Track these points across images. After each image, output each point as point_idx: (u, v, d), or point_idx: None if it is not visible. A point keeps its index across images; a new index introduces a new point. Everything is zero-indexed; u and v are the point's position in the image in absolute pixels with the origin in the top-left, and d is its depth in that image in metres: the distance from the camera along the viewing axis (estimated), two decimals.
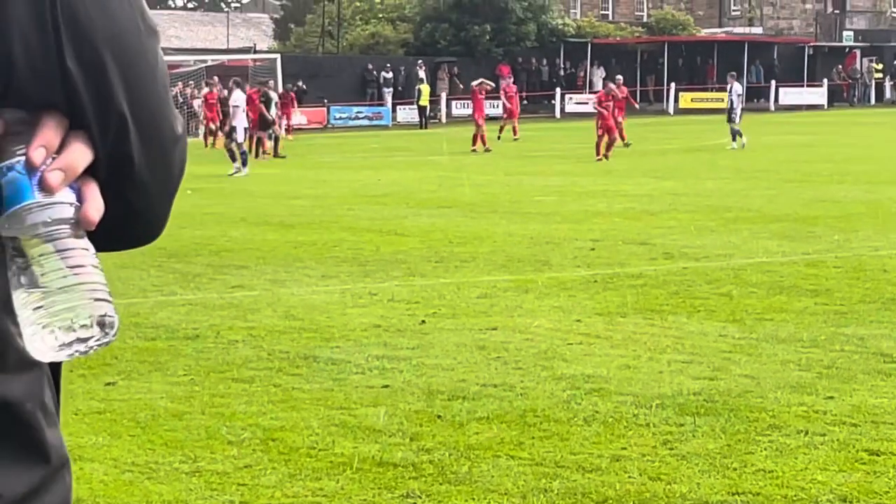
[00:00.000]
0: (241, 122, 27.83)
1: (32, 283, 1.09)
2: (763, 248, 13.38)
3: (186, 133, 1.29)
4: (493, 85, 40.22)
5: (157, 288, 11.28)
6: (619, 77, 36.05)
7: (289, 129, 42.59)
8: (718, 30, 71.76)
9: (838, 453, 6.11)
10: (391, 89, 55.75)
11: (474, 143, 34.16)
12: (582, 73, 62.74)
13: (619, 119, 31.81)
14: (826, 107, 61.67)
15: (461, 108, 56.53)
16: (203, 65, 50.92)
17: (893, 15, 72.54)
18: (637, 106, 33.91)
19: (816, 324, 9.28)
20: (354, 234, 15.30)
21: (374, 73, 56.51)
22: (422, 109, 51.54)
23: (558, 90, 58.59)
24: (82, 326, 1.10)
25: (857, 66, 66.39)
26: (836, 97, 64.09)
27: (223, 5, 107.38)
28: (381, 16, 61.68)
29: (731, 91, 34.32)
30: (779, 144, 34.38)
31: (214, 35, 76.65)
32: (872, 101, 65.00)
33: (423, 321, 9.60)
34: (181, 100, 45.26)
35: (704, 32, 69.26)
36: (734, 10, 75.15)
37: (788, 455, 6.10)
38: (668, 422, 6.69)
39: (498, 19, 59.02)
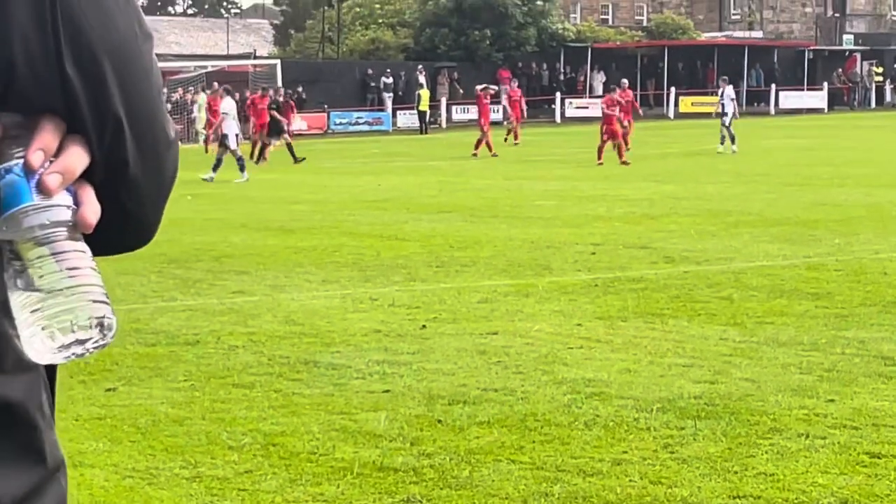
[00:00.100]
0: (231, 129, 27.77)
1: (30, 286, 1.10)
2: (764, 252, 13.38)
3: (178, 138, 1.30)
4: (496, 89, 40.23)
5: (157, 293, 11.28)
6: (625, 80, 36.06)
7: (289, 134, 42.61)
8: (718, 34, 71.82)
9: (839, 456, 6.11)
10: (391, 94, 55.79)
11: (477, 147, 34.08)
12: (582, 78, 62.77)
13: (625, 123, 31.78)
14: (826, 110, 61.71)
15: (461, 113, 56.58)
16: (203, 71, 50.96)
17: (893, 18, 72.59)
18: (640, 112, 33.85)
19: (817, 327, 9.28)
20: (355, 239, 15.30)
21: (375, 78, 56.54)
22: (422, 114, 51.57)
23: (558, 95, 58.63)
24: (81, 328, 1.10)
25: (858, 69, 66.42)
26: (837, 101, 64.13)
27: (223, 11, 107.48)
28: (381, 21, 61.71)
29: (722, 95, 34.31)
30: (779, 148, 34.40)
31: (214, 41, 76.68)
32: (873, 104, 65.03)
33: (424, 326, 9.60)
34: (188, 106, 45.31)
35: (704, 36, 69.31)
36: (734, 14, 75.22)
37: (789, 458, 6.09)
38: (669, 425, 6.69)
39: (498, 24, 59.06)
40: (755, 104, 63.13)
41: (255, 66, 53.69)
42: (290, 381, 7.86)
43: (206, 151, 38.62)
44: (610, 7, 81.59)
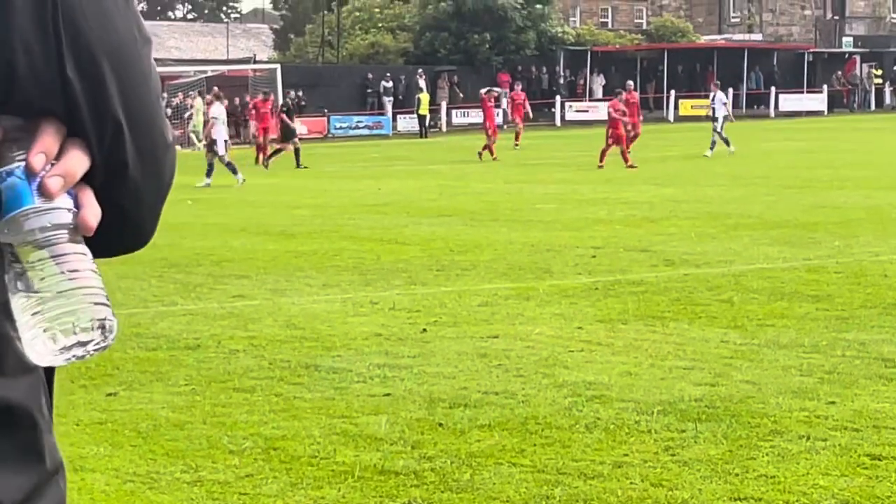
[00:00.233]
0: (220, 134, 27.73)
1: (31, 288, 1.10)
2: (764, 255, 13.38)
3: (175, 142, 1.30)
4: (499, 91, 40.22)
5: (157, 298, 11.28)
6: (630, 83, 36.07)
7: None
8: (718, 37, 71.85)
9: (840, 458, 6.11)
10: (391, 98, 55.81)
11: (484, 149, 34.00)
12: (582, 81, 62.79)
13: (629, 127, 31.76)
14: (826, 113, 61.71)
15: (461, 117, 56.61)
16: (203, 75, 51.00)
17: (893, 20, 72.61)
18: (640, 115, 33.83)
19: (817, 329, 9.28)
20: (355, 243, 15.31)
21: (374, 82, 56.55)
22: (421, 118, 51.59)
23: (558, 98, 58.64)
24: (83, 330, 1.10)
25: (857, 71, 66.43)
26: (836, 103, 64.14)
27: (223, 16, 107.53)
28: (380, 25, 61.74)
29: (713, 99, 34.28)
30: (779, 150, 34.41)
31: (214, 45, 76.75)
32: (872, 106, 65.04)
33: (425, 329, 9.60)
34: (189, 110, 45.36)
35: (704, 39, 69.34)
36: (733, 17, 75.25)
37: (790, 460, 6.10)
38: (670, 428, 6.69)
39: (497, 28, 59.09)
40: (755, 107, 63.16)
41: (254, 70, 53.74)
42: (291, 384, 7.87)
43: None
44: (609, 10, 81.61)
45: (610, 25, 76.36)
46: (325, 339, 9.27)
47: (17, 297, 1.11)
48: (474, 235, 15.83)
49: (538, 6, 60.62)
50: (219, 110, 28.54)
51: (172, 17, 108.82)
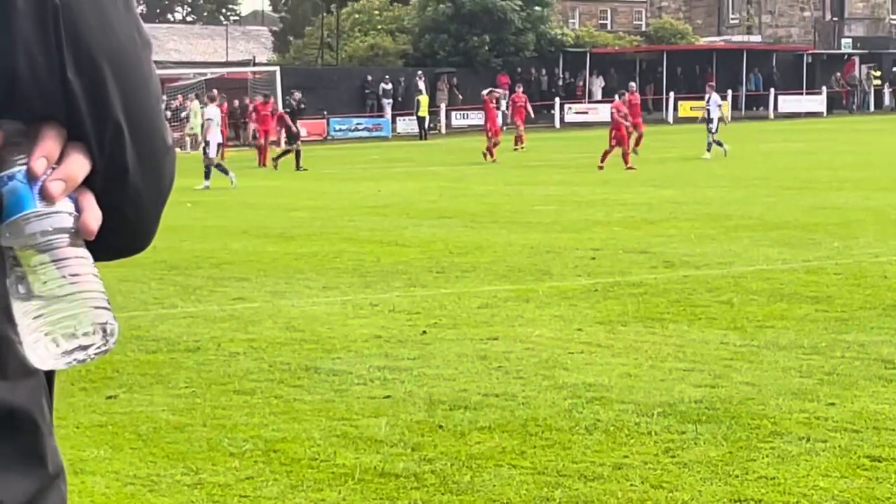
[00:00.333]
0: (215, 137, 27.70)
1: (33, 292, 1.11)
2: (763, 256, 13.39)
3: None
4: (501, 93, 40.16)
5: (157, 301, 11.28)
6: (633, 84, 36.06)
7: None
8: (717, 38, 71.88)
9: (840, 460, 6.11)
10: (390, 101, 55.82)
11: (491, 152, 33.97)
12: (581, 83, 62.80)
13: (630, 129, 31.81)
14: (825, 114, 61.72)
15: (461, 119, 56.62)
16: (202, 78, 50.98)
17: (892, 22, 72.63)
18: (640, 118, 33.83)
19: (817, 330, 9.29)
20: (355, 245, 15.31)
21: (374, 84, 56.56)
22: (421, 120, 51.60)
23: (557, 100, 58.64)
24: (84, 334, 1.11)
25: (856, 73, 66.45)
26: (835, 104, 64.15)
27: (222, 18, 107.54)
28: (380, 27, 61.75)
29: (709, 101, 34.24)
30: (778, 152, 34.42)
31: (214, 48, 76.79)
32: (871, 108, 65.06)
33: (424, 331, 9.60)
34: (183, 113, 45.34)
35: (703, 41, 69.37)
36: (732, 19, 75.27)
37: (790, 462, 6.10)
38: (670, 430, 6.69)
39: (497, 30, 59.10)
40: (754, 108, 63.19)
41: (254, 72, 53.74)
42: (291, 387, 7.87)
43: (222, 159, 38.73)
44: (608, 12, 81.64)
45: (609, 27, 76.38)
46: (325, 342, 9.28)
47: (18, 300, 1.11)
48: (474, 237, 15.83)
49: (537, 8, 60.63)
50: (213, 112, 28.54)
51: (172, 19, 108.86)
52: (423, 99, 51.74)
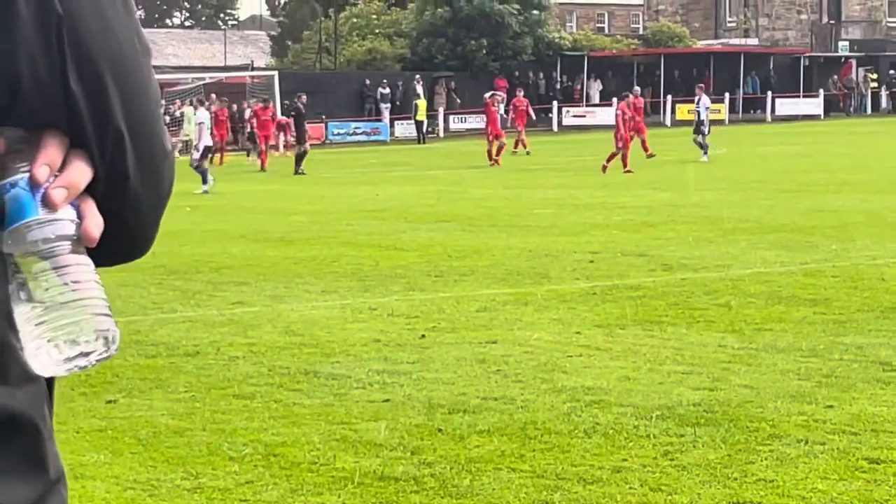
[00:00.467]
0: (205, 140, 27.68)
1: (34, 299, 1.11)
2: (761, 259, 13.40)
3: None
4: (503, 96, 40.10)
5: (157, 305, 11.29)
6: (637, 88, 36.07)
7: (287, 146, 42.65)
8: (714, 41, 71.90)
9: (838, 462, 6.12)
10: (388, 105, 55.82)
11: (498, 153, 33.89)
12: (579, 87, 62.82)
13: (631, 133, 31.89)
14: (822, 117, 61.72)
15: (459, 123, 56.63)
16: (201, 82, 50.99)
17: (888, 24, 72.67)
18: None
19: (815, 333, 9.30)
20: (354, 249, 15.32)
21: (372, 88, 56.57)
22: (419, 124, 51.62)
23: (555, 104, 58.66)
24: (86, 341, 1.12)
25: (853, 75, 66.47)
26: (833, 107, 64.16)
27: (220, 23, 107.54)
28: (377, 31, 61.77)
29: (699, 103, 34.22)
30: (775, 155, 34.43)
31: (212, 52, 76.82)
32: (868, 110, 65.08)
33: (423, 335, 9.61)
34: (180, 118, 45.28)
35: (700, 44, 69.39)
36: (730, 22, 75.31)
37: (789, 464, 6.11)
38: (669, 433, 6.70)
39: (494, 34, 59.11)
40: (751, 111, 63.21)
41: (252, 77, 53.76)
42: (291, 391, 7.88)
43: (221, 163, 38.82)
44: (606, 16, 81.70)
45: (607, 31, 76.42)
46: (324, 346, 9.28)
47: (20, 307, 1.12)
48: (472, 241, 15.84)
49: (535, 12, 60.65)
50: (204, 115, 28.56)
51: (170, 24, 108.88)
52: (421, 103, 51.75)
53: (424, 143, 50.29)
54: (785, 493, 5.70)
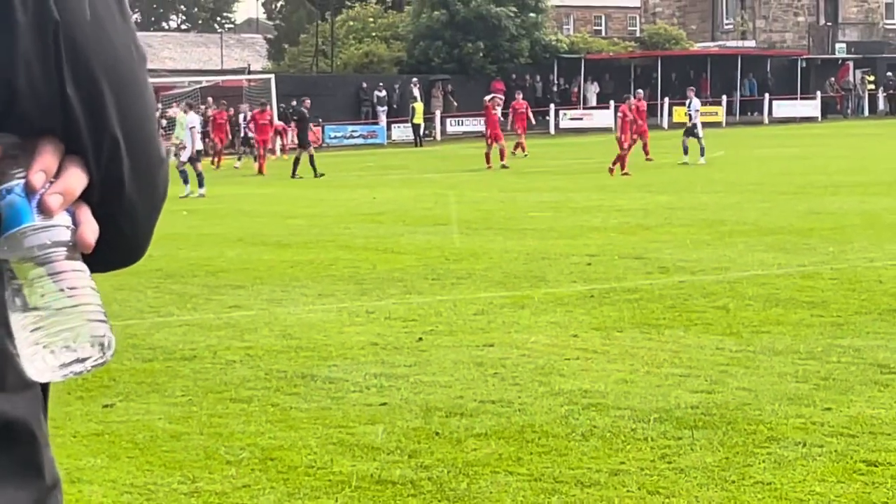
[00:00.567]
0: (196, 144, 27.64)
1: (31, 305, 1.11)
2: (758, 261, 13.41)
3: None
4: (503, 99, 40.05)
5: (153, 309, 11.29)
6: (640, 91, 36.09)
7: (284, 149, 42.66)
8: (711, 44, 71.92)
9: (836, 464, 6.12)
10: (385, 108, 55.82)
11: (502, 157, 33.80)
12: (576, 89, 62.83)
13: (635, 136, 31.92)
14: (820, 119, 61.79)
15: (456, 126, 56.64)
16: (198, 86, 51.00)
17: (886, 26, 72.74)
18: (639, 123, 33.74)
19: (813, 336, 9.30)
20: (351, 252, 15.31)
21: (369, 91, 56.58)
22: (416, 127, 51.63)
23: (552, 106, 58.68)
24: (82, 347, 1.12)
25: (850, 78, 66.51)
26: (830, 109, 64.20)
27: (217, 26, 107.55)
28: (374, 34, 61.77)
29: (689, 106, 34.21)
30: (773, 157, 34.45)
31: (209, 56, 76.82)
32: (866, 112, 65.13)
33: (420, 338, 9.61)
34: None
35: (697, 46, 69.41)
36: (727, 24, 75.35)
37: (786, 467, 6.11)
38: (666, 435, 6.70)
39: (491, 36, 59.13)
40: (748, 113, 63.24)
41: (249, 80, 53.76)
42: (288, 395, 7.87)
43: (218, 166, 38.88)
44: (603, 18, 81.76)
45: (603, 33, 76.48)
46: (321, 349, 9.28)
47: (16, 313, 1.12)
48: (469, 244, 15.84)
49: (532, 14, 60.68)
50: (195, 119, 28.54)
51: (166, 27, 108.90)
52: (419, 106, 51.76)
53: (421, 146, 50.28)
54: (783, 496, 5.70)
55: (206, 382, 8.26)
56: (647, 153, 32.89)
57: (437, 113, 56.20)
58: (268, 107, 40.35)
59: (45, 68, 1.15)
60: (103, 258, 1.21)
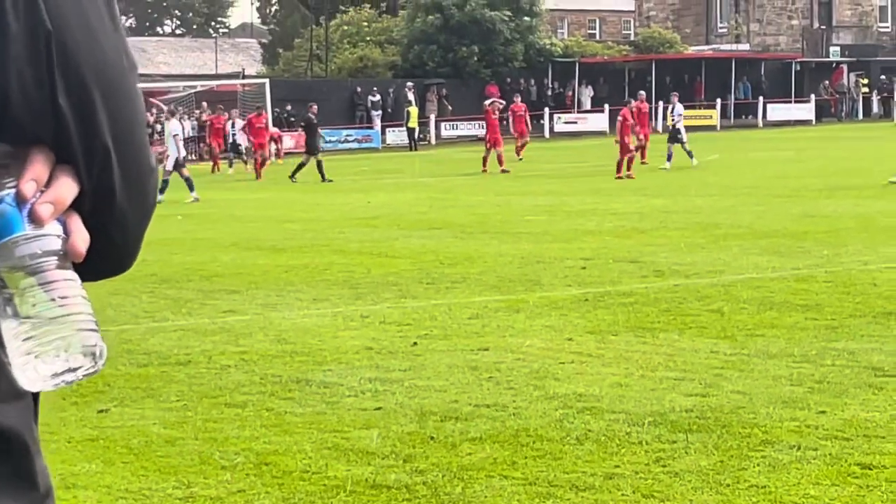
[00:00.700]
0: (173, 151, 27.50)
1: (22, 314, 1.11)
2: (753, 264, 13.42)
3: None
4: (504, 103, 40.01)
5: (148, 314, 11.28)
6: (642, 93, 36.09)
7: (279, 154, 42.66)
8: (706, 47, 71.99)
9: (831, 468, 6.13)
10: (380, 112, 55.84)
11: (500, 162, 33.69)
12: (570, 93, 62.88)
13: (641, 136, 31.89)
14: (814, 122, 61.87)
15: (450, 130, 56.65)
16: (192, 90, 51.00)
17: (879, 30, 72.83)
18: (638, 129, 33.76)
19: (807, 339, 9.31)
20: (345, 256, 15.31)
21: (363, 96, 56.59)
22: (411, 131, 51.64)
23: (547, 110, 58.70)
24: (73, 356, 1.12)
25: (844, 81, 66.61)
26: (824, 112, 64.30)
27: (211, 31, 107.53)
28: (368, 39, 61.78)
29: (673, 111, 34.19)
30: (767, 160, 34.48)
31: (203, 60, 76.81)
32: (860, 115, 65.21)
33: (415, 343, 9.61)
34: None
35: (692, 50, 69.46)
36: (721, 28, 75.41)
37: (781, 470, 6.11)
38: (661, 439, 6.71)
39: (485, 40, 59.16)
40: (743, 117, 63.29)
41: (243, 85, 53.75)
42: (282, 399, 7.87)
43: (214, 171, 38.91)
44: (597, 22, 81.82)
45: (598, 37, 76.54)
46: (316, 354, 9.28)
47: (7, 322, 1.12)
48: (464, 248, 15.84)
49: (526, 18, 60.72)
50: (176, 127, 28.43)
51: (161, 32, 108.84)
52: (413, 110, 51.76)
53: (416, 150, 50.28)
54: (777, 499, 5.70)
55: (201, 387, 8.26)
56: (643, 157, 32.91)
57: (432, 117, 56.22)
58: (263, 111, 40.35)
59: (36, 76, 1.16)
60: (94, 267, 1.22)
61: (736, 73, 64.12)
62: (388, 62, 60.65)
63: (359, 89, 56.80)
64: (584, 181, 28.78)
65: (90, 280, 1.23)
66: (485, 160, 34.00)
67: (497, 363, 8.77)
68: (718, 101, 60.90)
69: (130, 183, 1.23)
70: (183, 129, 30.57)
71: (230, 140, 40.65)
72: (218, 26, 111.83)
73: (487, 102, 37.86)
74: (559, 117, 59.40)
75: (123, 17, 1.26)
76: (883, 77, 66.12)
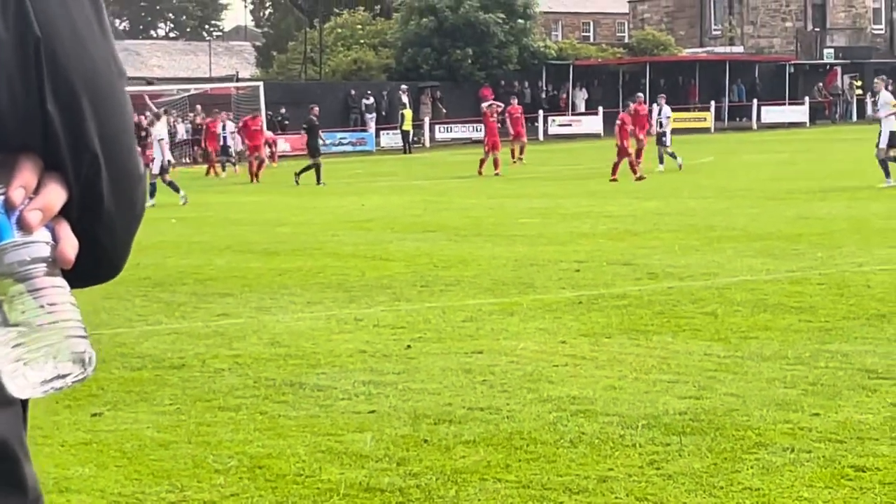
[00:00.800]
0: (158, 154, 27.31)
1: (11, 321, 1.11)
2: (747, 267, 13.43)
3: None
4: (503, 105, 39.97)
5: (142, 317, 11.27)
6: (640, 95, 36.08)
7: (273, 157, 42.63)
8: (700, 49, 72.07)
9: (824, 470, 6.13)
10: (374, 115, 55.84)
11: (496, 167, 33.61)
12: (564, 95, 62.92)
13: (641, 137, 31.91)
14: (808, 124, 61.93)
15: (444, 133, 56.67)
16: (186, 94, 50.98)
17: (873, 32, 72.94)
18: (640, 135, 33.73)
19: (801, 341, 9.32)
20: (339, 259, 15.31)
21: (357, 99, 56.59)
22: (405, 134, 51.64)
23: (541, 112, 58.73)
24: (62, 363, 1.12)
25: (838, 83, 66.69)
26: (818, 115, 64.37)
27: (205, 34, 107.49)
28: (362, 42, 61.78)
29: (660, 113, 34.17)
30: (761, 162, 34.51)
31: (197, 64, 76.82)
32: (854, 117, 65.27)
33: (409, 346, 9.61)
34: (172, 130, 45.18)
35: (686, 52, 69.55)
36: (715, 30, 75.49)
37: (775, 473, 6.12)
38: (655, 442, 6.71)
39: (480, 43, 59.18)
40: (737, 119, 63.37)
41: (237, 88, 53.73)
42: (276, 403, 7.87)
43: (209, 174, 38.90)
44: (591, 24, 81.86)
45: (592, 39, 76.56)
46: (310, 357, 9.27)
47: None
48: (458, 251, 15.85)
49: (520, 21, 60.75)
50: (162, 131, 28.28)
51: (155, 35, 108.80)
52: (408, 113, 51.77)
53: (410, 152, 50.28)
54: (771, 502, 5.71)
55: (195, 391, 8.25)
56: (638, 157, 32.91)
57: (426, 120, 56.24)
58: (258, 114, 40.35)
59: (25, 83, 1.16)
60: (83, 273, 1.22)
61: (730, 76, 64.20)
62: (382, 65, 60.66)
63: (353, 92, 56.79)
64: (578, 184, 28.80)
65: (79, 286, 1.23)
66: (482, 163, 33.93)
67: (491, 366, 8.78)
68: (712, 103, 60.97)
69: (119, 189, 1.23)
70: (175, 132, 30.45)
71: (221, 143, 40.63)
72: (212, 29, 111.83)
73: (485, 105, 37.80)
74: (553, 120, 59.44)
75: (117, 21, 1.26)
76: (877, 79, 66.19)
